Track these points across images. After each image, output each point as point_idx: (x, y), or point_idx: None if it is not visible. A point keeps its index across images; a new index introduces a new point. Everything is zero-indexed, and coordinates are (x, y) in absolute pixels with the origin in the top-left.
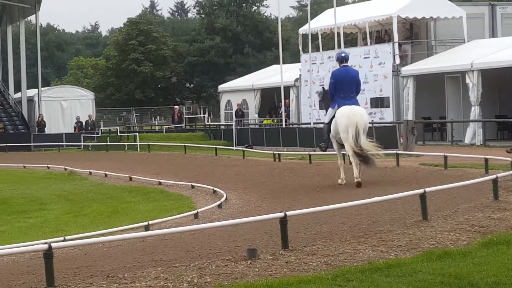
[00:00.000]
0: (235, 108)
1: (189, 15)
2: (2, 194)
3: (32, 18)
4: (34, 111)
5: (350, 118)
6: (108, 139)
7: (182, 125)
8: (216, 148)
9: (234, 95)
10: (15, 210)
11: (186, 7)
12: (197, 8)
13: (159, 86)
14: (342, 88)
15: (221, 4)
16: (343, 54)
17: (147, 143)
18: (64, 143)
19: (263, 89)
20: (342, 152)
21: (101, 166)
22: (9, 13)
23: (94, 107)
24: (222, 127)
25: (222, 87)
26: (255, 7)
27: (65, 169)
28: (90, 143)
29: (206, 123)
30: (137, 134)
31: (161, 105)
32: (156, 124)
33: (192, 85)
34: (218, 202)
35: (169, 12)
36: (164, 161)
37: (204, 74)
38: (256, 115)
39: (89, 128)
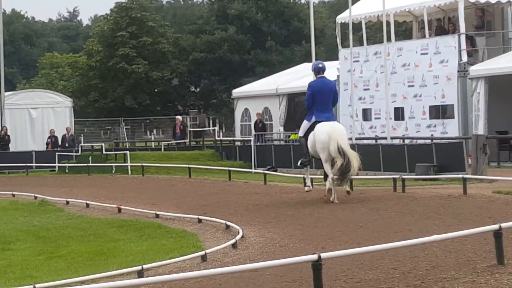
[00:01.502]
0: (254, 119)
1: None
2: None
3: None
4: None
5: (330, 135)
6: (90, 158)
7: (185, 140)
8: (229, 171)
9: (253, 102)
10: None
11: None
12: None
13: (156, 90)
14: (319, 100)
15: None
16: (320, 65)
17: (140, 164)
18: (34, 164)
19: (290, 94)
20: None
21: (82, 194)
22: None
23: (73, 117)
24: (238, 143)
25: (237, 91)
26: None
27: (35, 197)
28: (67, 164)
29: (216, 138)
30: (128, 152)
31: (159, 115)
32: (152, 139)
33: (198, 89)
34: (233, 241)
35: None
36: (163, 188)
37: (214, 75)
38: (281, 128)
39: (66, 144)
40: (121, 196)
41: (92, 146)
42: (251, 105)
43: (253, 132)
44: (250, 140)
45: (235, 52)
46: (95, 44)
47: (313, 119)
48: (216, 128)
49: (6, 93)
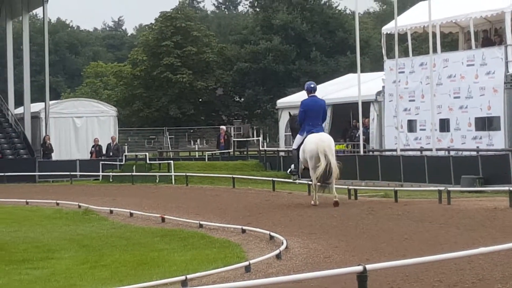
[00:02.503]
0: None
1: (240, 8)
2: None
3: (38, 11)
4: (40, 131)
5: (318, 144)
6: (134, 168)
7: (229, 150)
8: (273, 181)
9: (297, 112)
10: (16, 259)
11: None
12: (250, 0)
13: (200, 100)
14: (311, 116)
15: None
16: (312, 85)
17: (184, 174)
18: (78, 173)
19: (334, 105)
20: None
21: (126, 203)
22: (9, 4)
23: (117, 126)
24: (282, 153)
25: (281, 102)
26: None
27: (79, 206)
28: (111, 173)
29: (260, 148)
30: (172, 162)
31: (203, 124)
32: (196, 149)
33: (242, 99)
34: (277, 251)
35: (213, 4)
36: (207, 197)
37: (259, 85)
38: None
39: (110, 153)
40: (165, 205)
41: (136, 155)
42: None
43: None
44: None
45: (280, 62)
46: (139, 54)
47: (305, 134)
48: (260, 138)
49: (51, 102)
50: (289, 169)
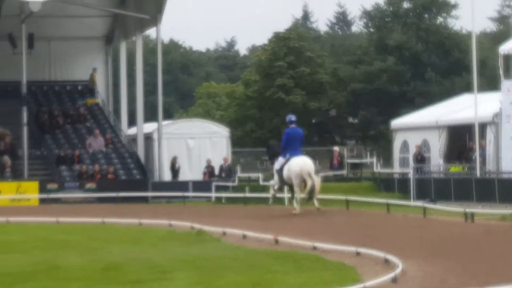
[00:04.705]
0: (413, 151)
1: (353, 28)
2: (112, 259)
3: (151, 32)
4: (152, 151)
5: (302, 167)
6: (247, 189)
7: (343, 172)
8: (388, 204)
9: (412, 133)
10: (129, 280)
11: (349, 18)
12: (364, 20)
13: (313, 121)
14: (292, 142)
15: (395, 14)
16: (293, 118)
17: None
18: (191, 193)
19: (450, 126)
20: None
21: (238, 224)
22: (123, 25)
23: (230, 147)
24: (396, 175)
25: (396, 123)
26: (440, 19)
27: (192, 227)
28: (223, 194)
29: (374, 170)
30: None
31: (316, 145)
32: None
33: (356, 120)
34: (392, 274)
35: (327, 25)
36: (320, 219)
37: (373, 106)
38: (441, 161)
39: (223, 174)
40: (278, 227)
41: (249, 176)
42: (410, 137)
43: (411, 164)
44: (409, 173)
45: (394, 83)
46: (252, 74)
47: (288, 156)
48: (374, 160)
49: (164, 122)
50: (272, 186)
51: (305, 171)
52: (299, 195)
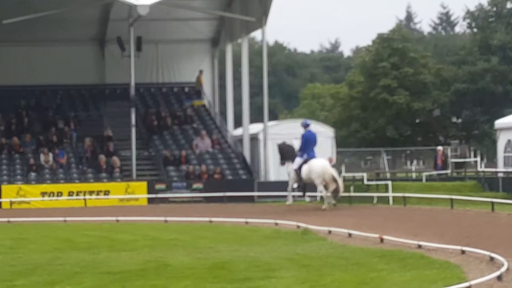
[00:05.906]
0: None
1: (457, 29)
2: (220, 257)
3: (257, 34)
4: (258, 152)
5: (325, 170)
6: (351, 188)
7: (447, 171)
8: (492, 203)
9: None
10: (237, 278)
11: (452, 19)
12: (468, 20)
13: (417, 121)
14: (309, 144)
15: (499, 15)
16: (308, 122)
17: (401, 195)
18: (296, 193)
19: None
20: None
21: (343, 223)
22: (229, 28)
23: (335, 147)
24: (500, 174)
25: (500, 122)
26: None
27: (298, 226)
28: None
29: (478, 169)
30: (390, 182)
31: (419, 145)
32: (413, 170)
33: (460, 120)
34: (497, 273)
35: (430, 25)
36: (425, 218)
37: (476, 106)
38: None
39: None
40: (383, 226)
41: (353, 176)
42: None
43: None
44: None
45: (498, 83)
46: (356, 75)
47: (305, 157)
48: (478, 159)
49: (270, 123)
50: (292, 187)
51: (329, 175)
52: (325, 193)
